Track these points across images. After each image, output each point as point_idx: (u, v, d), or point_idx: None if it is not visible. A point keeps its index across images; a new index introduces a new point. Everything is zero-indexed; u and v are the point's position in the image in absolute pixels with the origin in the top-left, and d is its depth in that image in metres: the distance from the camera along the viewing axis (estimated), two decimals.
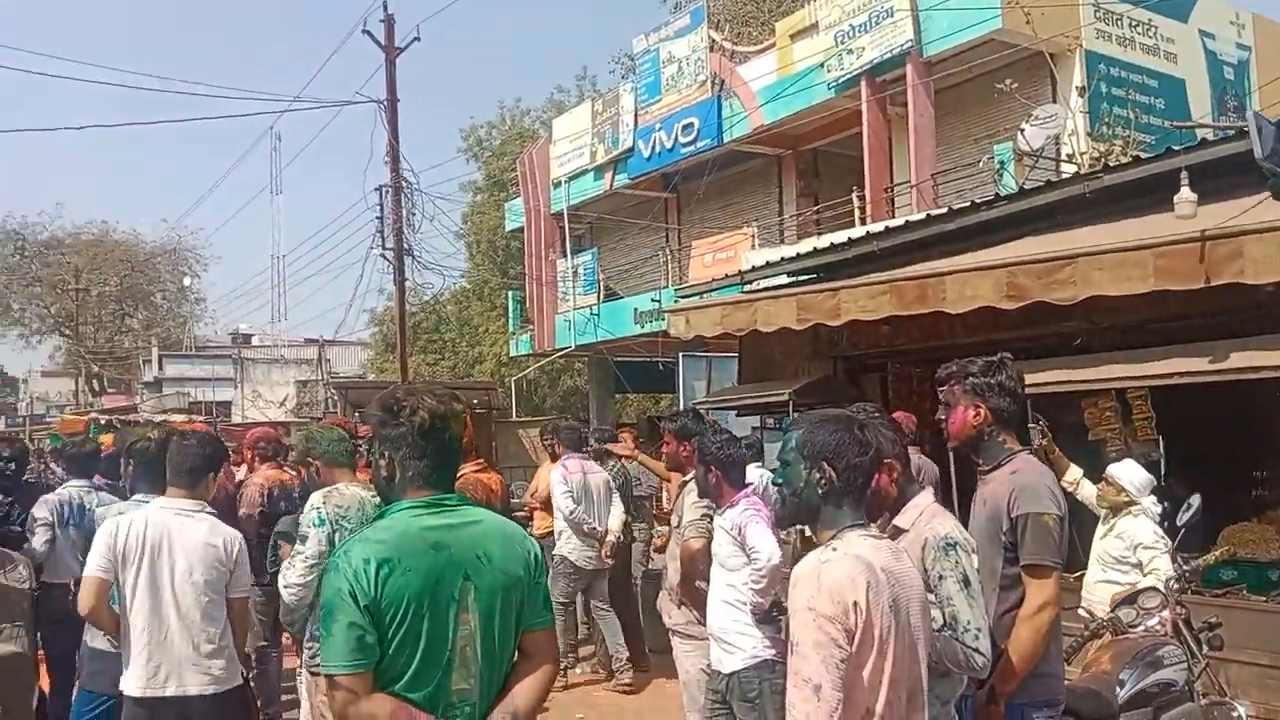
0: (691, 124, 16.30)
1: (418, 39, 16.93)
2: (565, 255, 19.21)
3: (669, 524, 9.48)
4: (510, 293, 22.96)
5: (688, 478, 4.42)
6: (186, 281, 43.83)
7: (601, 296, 18.31)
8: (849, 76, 13.61)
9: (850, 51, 13.55)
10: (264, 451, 6.43)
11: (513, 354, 22.89)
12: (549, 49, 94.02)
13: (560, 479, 6.92)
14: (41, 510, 5.44)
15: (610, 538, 6.97)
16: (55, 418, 30.16)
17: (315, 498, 3.85)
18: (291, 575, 3.70)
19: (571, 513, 6.79)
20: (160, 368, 41.31)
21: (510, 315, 22.41)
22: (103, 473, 6.06)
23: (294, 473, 5.79)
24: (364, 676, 2.03)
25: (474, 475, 3.88)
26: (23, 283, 41.68)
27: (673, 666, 4.68)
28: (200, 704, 3.48)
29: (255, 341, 43.07)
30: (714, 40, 16.64)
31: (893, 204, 13.59)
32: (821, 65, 13.99)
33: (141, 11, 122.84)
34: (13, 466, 5.79)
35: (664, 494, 9.37)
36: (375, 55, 16.80)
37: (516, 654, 2.24)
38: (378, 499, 3.67)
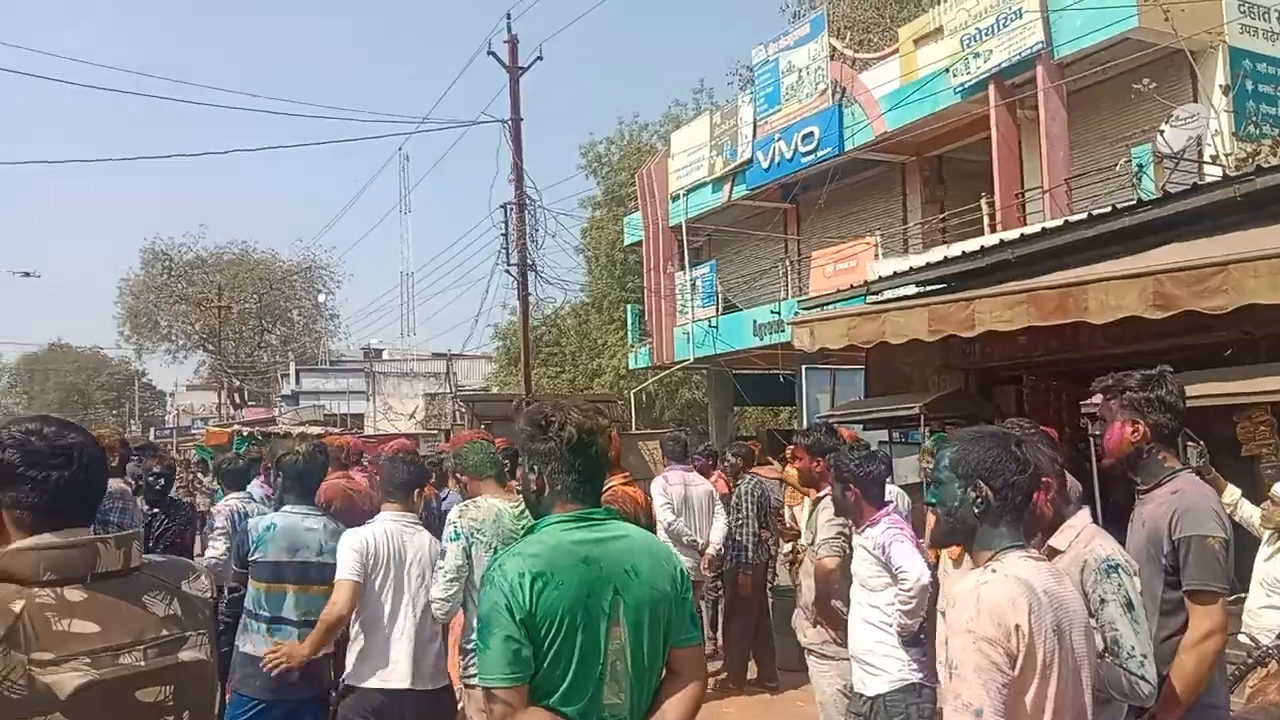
0: (812, 133, 16.15)
1: (540, 58, 17.29)
2: (683, 268, 19.26)
3: (793, 540, 9.36)
4: (629, 306, 23.15)
5: (821, 494, 4.35)
6: (321, 298, 45.83)
7: (720, 309, 18.28)
8: (976, 81, 13.27)
9: (977, 55, 13.20)
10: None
11: (631, 367, 23.07)
12: (667, 64, 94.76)
13: (660, 490, 6.90)
14: (220, 519, 5.94)
15: (710, 550, 6.91)
16: (201, 430, 31.82)
17: (453, 511, 3.94)
18: (435, 590, 3.81)
19: (670, 524, 6.75)
20: (297, 381, 43.24)
21: (629, 328, 22.59)
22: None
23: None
24: (520, 689, 2.05)
25: (621, 489, 3.90)
26: (170, 301, 44.27)
27: (805, 683, 4.62)
28: (418, 698, 3.84)
29: (385, 356, 44.64)
30: (835, 48, 16.47)
31: (1024, 210, 13.16)
32: (947, 70, 13.68)
33: (273, 41, 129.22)
34: (162, 482, 6.14)
35: (786, 510, 9.28)
36: (498, 75, 17.25)
37: (664, 671, 2.25)
38: (517, 510, 3.78)
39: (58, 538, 1.60)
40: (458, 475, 4.25)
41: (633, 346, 22.15)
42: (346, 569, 3.81)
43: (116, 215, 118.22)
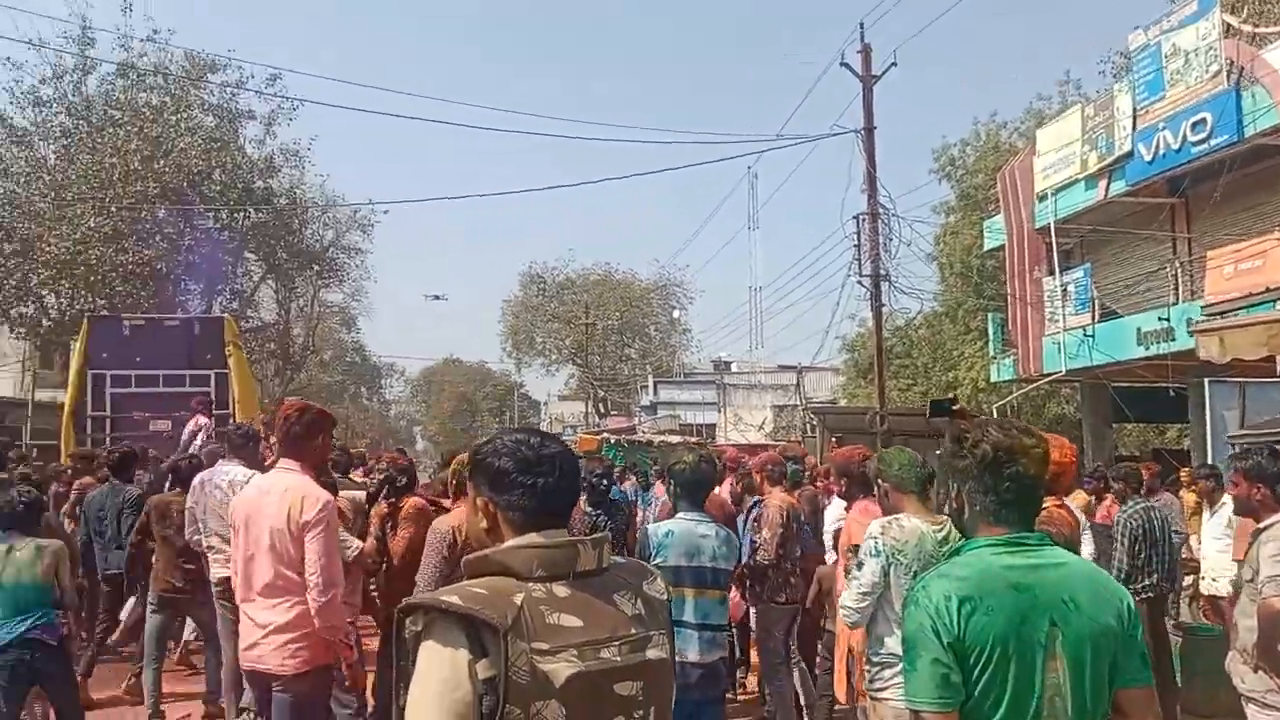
0: (1203, 120, 14.41)
1: (894, 64, 16.97)
2: (1053, 273, 17.93)
3: (1193, 573, 8.36)
4: (990, 315, 21.94)
5: (1263, 524, 3.84)
6: (675, 314, 48.05)
7: (1096, 316, 16.80)
8: None
9: None
10: (772, 474, 6.65)
11: (993, 379, 21.82)
12: (1025, 59, 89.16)
13: None
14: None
15: None
16: (573, 437, 34.40)
17: (874, 526, 3.86)
18: (847, 598, 3.82)
19: None
20: (655, 393, 45.52)
21: (990, 338, 21.40)
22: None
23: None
24: (951, 716, 2.00)
25: (1056, 510, 3.68)
26: (544, 319, 48.46)
27: None
28: None
29: (734, 369, 45.79)
30: (1229, 25, 14.60)
31: None
32: None
33: (607, 74, 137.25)
34: (605, 483, 6.63)
35: (1190, 540, 8.35)
36: (842, 85, 17.15)
37: (1111, 713, 2.09)
38: (940, 533, 3.69)
39: (543, 538, 1.76)
40: (879, 482, 4.16)
41: (994, 358, 20.95)
42: None
43: (502, 242, 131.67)
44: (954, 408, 14.18)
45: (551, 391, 66.06)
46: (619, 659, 1.71)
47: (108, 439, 12.13)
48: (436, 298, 48.26)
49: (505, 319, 50.81)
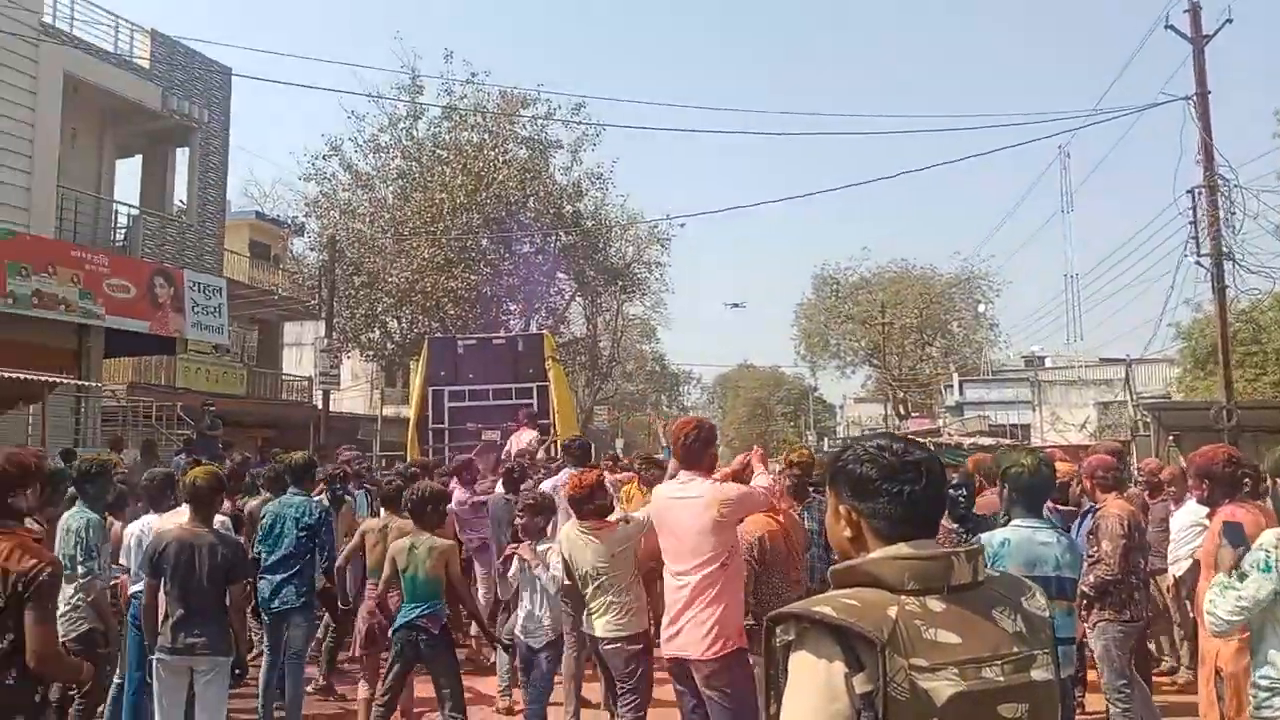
0: None
1: (1229, 20, 15.17)
2: None
3: None
4: None
5: None
6: (980, 308, 45.57)
7: None
8: None
9: None
10: (1103, 481, 6.19)
11: None
12: None
13: None
14: None
15: None
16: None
17: (1268, 537, 3.49)
18: (1218, 607, 3.47)
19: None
20: (960, 392, 43.49)
21: None
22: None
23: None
24: None
25: None
26: (838, 320, 47.72)
27: None
28: None
29: (1049, 363, 42.76)
30: None
31: None
32: None
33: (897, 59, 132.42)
34: (964, 495, 6.34)
35: None
36: (1167, 50, 15.51)
37: None
38: None
39: (912, 548, 1.71)
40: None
41: None
42: None
43: (794, 244, 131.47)
44: None
45: (847, 394, 65.05)
46: (1002, 679, 1.63)
47: (446, 448, 13.39)
48: (735, 305, 49.05)
49: (798, 322, 50.62)
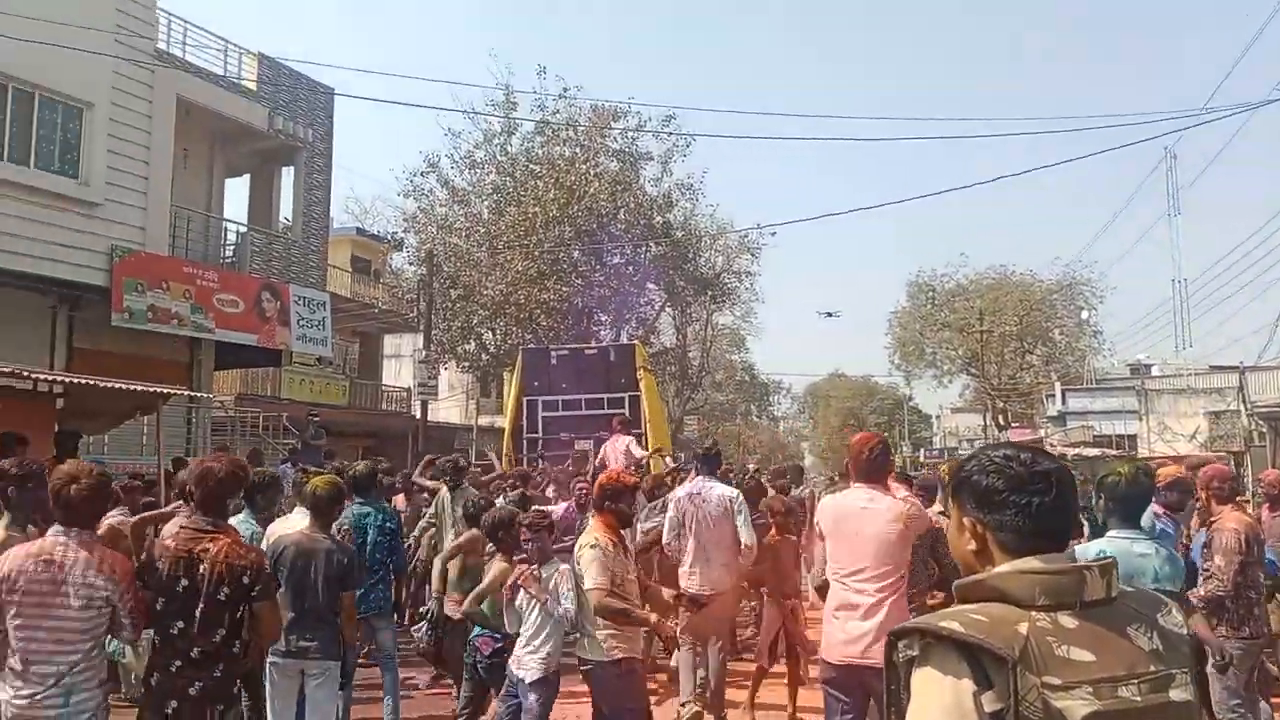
0: None
1: None
2: None
3: None
4: None
5: None
6: (1084, 315, 44.09)
7: None
8: None
9: None
10: (1220, 492, 5.96)
11: None
12: None
13: None
14: None
15: None
16: (967, 451, 32.82)
17: None
18: None
19: None
20: (1063, 401, 42.12)
21: None
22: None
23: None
24: None
25: None
26: (934, 329, 46.71)
27: None
28: None
29: (1155, 371, 41.11)
30: None
31: None
32: None
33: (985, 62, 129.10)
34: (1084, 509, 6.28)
35: None
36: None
37: None
38: None
39: (1042, 562, 1.65)
40: None
41: None
42: None
43: (889, 252, 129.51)
44: None
45: (944, 404, 63.72)
46: (1139, 699, 1.57)
47: (540, 457, 13.54)
48: (829, 314, 48.41)
49: (893, 330, 49.71)
